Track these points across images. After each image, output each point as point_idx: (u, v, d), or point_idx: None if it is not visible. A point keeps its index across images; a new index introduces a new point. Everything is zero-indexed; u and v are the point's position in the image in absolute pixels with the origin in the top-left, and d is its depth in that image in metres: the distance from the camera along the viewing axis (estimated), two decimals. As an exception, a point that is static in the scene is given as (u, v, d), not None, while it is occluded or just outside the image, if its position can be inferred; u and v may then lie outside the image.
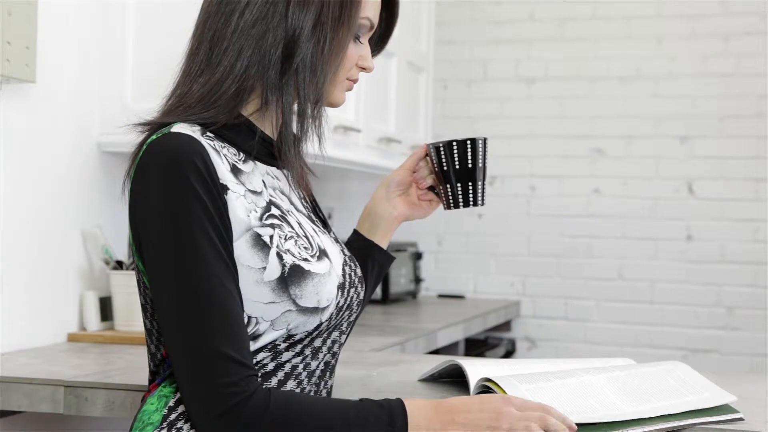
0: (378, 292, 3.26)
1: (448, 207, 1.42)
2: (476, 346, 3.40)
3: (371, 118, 2.79)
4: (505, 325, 3.63)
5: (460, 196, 1.39)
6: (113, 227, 2.11)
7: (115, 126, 2.07)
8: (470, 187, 1.39)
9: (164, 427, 1.15)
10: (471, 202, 1.39)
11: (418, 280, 3.61)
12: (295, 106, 1.22)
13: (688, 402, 1.23)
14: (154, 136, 1.15)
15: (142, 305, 1.23)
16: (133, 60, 2.11)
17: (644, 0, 3.60)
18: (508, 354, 3.62)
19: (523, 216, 3.73)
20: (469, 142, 1.38)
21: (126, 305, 2.05)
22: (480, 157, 1.39)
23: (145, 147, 1.15)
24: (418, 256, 3.63)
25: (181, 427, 1.14)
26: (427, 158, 1.43)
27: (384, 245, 1.47)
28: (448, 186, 1.40)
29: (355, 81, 1.29)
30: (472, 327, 3.09)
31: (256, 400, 1.07)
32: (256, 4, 1.19)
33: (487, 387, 1.26)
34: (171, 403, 1.16)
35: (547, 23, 3.71)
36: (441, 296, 3.78)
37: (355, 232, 1.48)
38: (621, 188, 3.61)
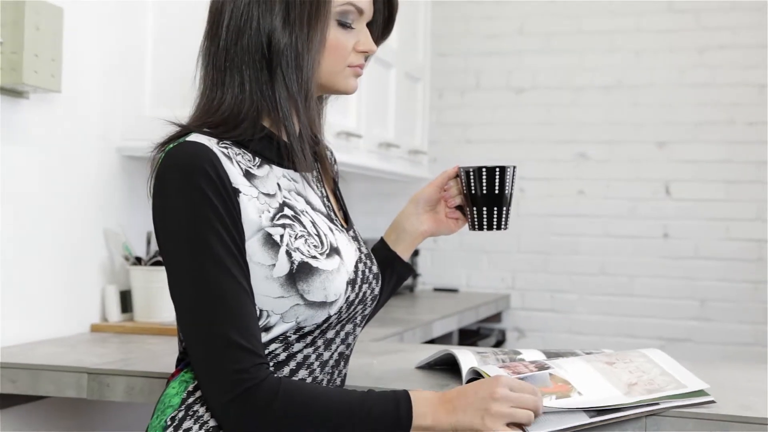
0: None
1: (473, 228, 1.38)
2: (469, 336, 3.40)
3: (372, 125, 2.80)
4: (496, 317, 3.64)
5: (485, 220, 1.35)
6: (133, 226, 2.12)
7: (135, 132, 2.09)
8: (495, 212, 1.35)
9: (182, 410, 1.15)
10: (495, 226, 1.36)
11: (415, 275, 3.61)
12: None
13: (666, 387, 1.24)
14: (171, 146, 1.14)
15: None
16: (151, 73, 2.12)
17: (625, 16, 3.60)
18: (499, 343, 3.62)
19: (513, 216, 3.71)
20: (498, 169, 1.34)
21: (144, 298, 2.05)
22: (507, 184, 1.35)
23: (163, 155, 1.14)
24: (415, 252, 3.63)
25: (197, 410, 1.14)
26: (458, 179, 1.39)
27: (406, 258, 1.44)
28: (475, 209, 1.36)
29: (359, 66, 1.24)
30: (466, 318, 3.09)
31: (266, 387, 1.08)
32: (232, 18, 1.17)
33: (477, 374, 1.26)
34: (190, 388, 1.16)
35: (536, 37, 3.71)
36: (436, 290, 3.78)
37: (381, 241, 1.45)
38: (603, 190, 3.62)
